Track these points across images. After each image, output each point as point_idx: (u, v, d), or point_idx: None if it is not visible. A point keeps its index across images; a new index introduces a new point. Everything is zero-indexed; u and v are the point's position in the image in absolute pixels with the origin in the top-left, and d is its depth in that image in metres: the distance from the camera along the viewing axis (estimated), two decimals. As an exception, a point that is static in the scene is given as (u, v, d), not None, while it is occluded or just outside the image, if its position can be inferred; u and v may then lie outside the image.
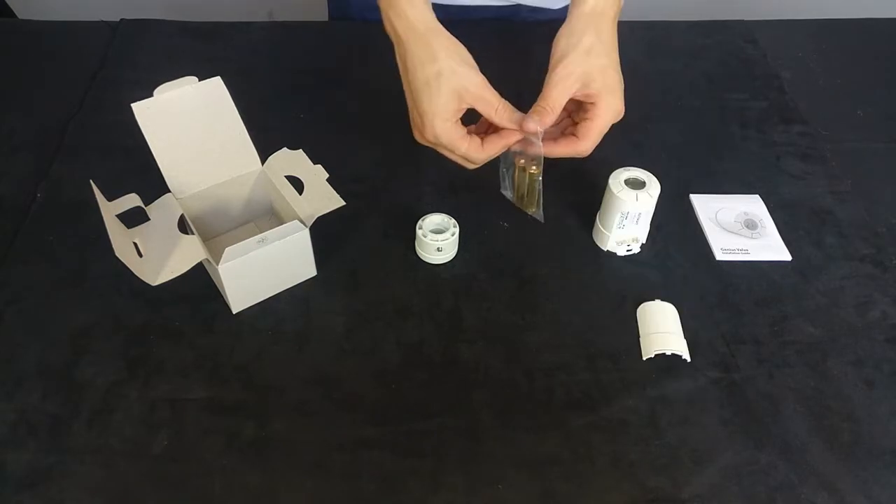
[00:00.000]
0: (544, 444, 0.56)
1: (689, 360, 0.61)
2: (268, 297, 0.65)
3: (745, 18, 0.99)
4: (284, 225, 0.60)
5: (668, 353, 0.61)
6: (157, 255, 0.58)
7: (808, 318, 0.65)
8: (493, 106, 0.62)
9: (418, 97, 0.62)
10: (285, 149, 0.67)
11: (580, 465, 0.55)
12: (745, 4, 1.17)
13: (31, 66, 0.89)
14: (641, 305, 0.65)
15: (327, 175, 0.65)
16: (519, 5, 0.94)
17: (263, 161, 0.66)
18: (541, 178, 0.66)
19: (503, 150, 0.65)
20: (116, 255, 0.54)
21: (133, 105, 0.60)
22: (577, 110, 0.66)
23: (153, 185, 0.63)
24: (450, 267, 0.68)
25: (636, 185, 0.66)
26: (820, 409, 0.59)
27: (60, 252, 0.68)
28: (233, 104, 0.64)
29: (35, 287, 0.65)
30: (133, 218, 0.61)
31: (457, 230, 0.68)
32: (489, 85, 0.62)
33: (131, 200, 0.61)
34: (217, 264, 0.59)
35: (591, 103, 0.63)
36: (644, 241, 0.70)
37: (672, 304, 0.65)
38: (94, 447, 0.55)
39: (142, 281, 0.56)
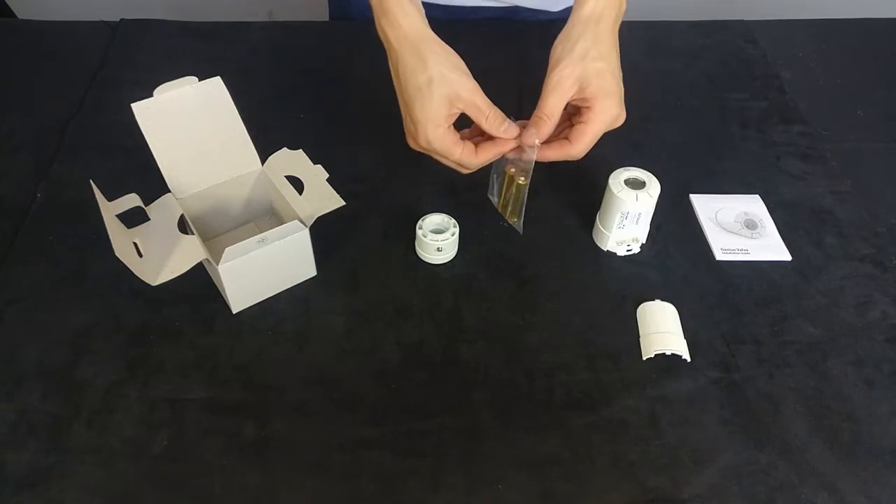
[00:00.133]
0: (544, 444, 0.56)
1: (689, 360, 0.61)
2: (268, 297, 0.65)
3: (745, 18, 0.99)
4: (284, 225, 0.60)
5: (668, 353, 0.61)
6: (157, 255, 0.58)
7: (808, 318, 0.65)
8: (484, 113, 0.62)
9: (410, 104, 0.62)
10: (285, 149, 0.67)
11: (580, 465, 0.55)
12: (745, 4, 1.17)
13: (31, 66, 0.89)
14: (641, 305, 0.65)
15: (327, 175, 0.65)
16: (518, 6, 0.94)
17: (263, 161, 0.66)
18: (527, 190, 0.66)
19: (497, 157, 0.65)
20: (116, 255, 0.54)
21: (133, 105, 0.60)
22: (576, 114, 0.66)
23: (153, 185, 0.63)
24: (450, 267, 0.68)
25: (636, 185, 0.66)
26: (820, 409, 0.59)
27: (60, 252, 0.68)
28: (233, 104, 0.64)
29: (35, 287, 0.65)
30: (133, 218, 0.61)
31: (457, 230, 0.68)
32: (481, 91, 0.62)
33: (131, 200, 0.61)
34: (217, 264, 0.59)
35: (587, 107, 0.62)
36: (644, 241, 0.70)
37: (672, 304, 0.65)
38: (94, 447, 0.55)
39: (142, 281, 0.56)
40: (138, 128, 0.60)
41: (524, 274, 0.68)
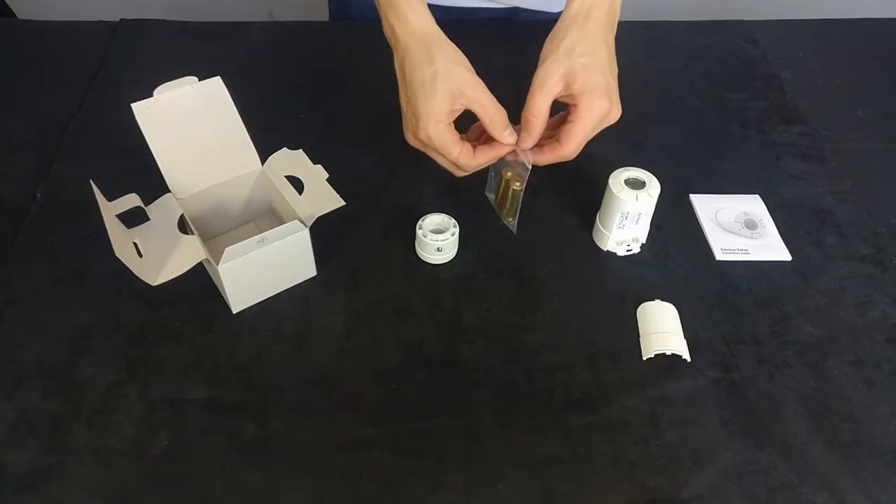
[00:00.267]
0: (544, 444, 0.56)
1: (689, 360, 0.61)
2: (268, 297, 0.65)
3: (745, 18, 0.99)
4: (284, 225, 0.60)
5: (668, 353, 0.61)
6: (157, 255, 0.58)
7: (808, 318, 0.65)
8: (490, 112, 0.61)
9: (414, 98, 0.61)
10: (285, 149, 0.67)
11: (580, 465, 0.55)
12: (745, 4, 1.17)
13: (31, 66, 0.89)
14: (641, 305, 0.65)
15: (327, 175, 0.65)
16: (518, 7, 0.94)
17: (263, 161, 0.66)
18: (522, 195, 0.66)
19: (494, 161, 0.65)
20: (116, 255, 0.54)
21: (133, 105, 0.60)
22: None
23: (153, 185, 0.63)
24: (450, 267, 0.68)
25: (636, 185, 0.66)
26: (820, 409, 0.59)
27: (60, 252, 0.68)
28: (233, 104, 0.64)
29: (35, 287, 0.65)
30: (133, 218, 0.61)
31: (457, 230, 0.68)
32: (486, 89, 0.62)
33: (131, 200, 0.61)
34: (217, 264, 0.59)
35: (574, 105, 0.61)
36: (644, 241, 0.70)
37: (672, 304, 0.65)
38: (94, 447, 0.55)
39: (142, 281, 0.56)
40: (138, 128, 0.60)
41: (524, 274, 0.68)
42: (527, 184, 0.65)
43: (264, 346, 0.62)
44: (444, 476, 0.54)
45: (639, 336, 0.63)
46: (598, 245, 0.70)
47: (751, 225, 0.72)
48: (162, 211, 0.62)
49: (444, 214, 0.69)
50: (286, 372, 0.60)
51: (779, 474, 0.55)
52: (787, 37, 0.97)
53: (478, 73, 0.62)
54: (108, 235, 0.56)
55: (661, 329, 0.62)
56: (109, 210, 0.59)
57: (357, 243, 0.70)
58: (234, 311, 0.64)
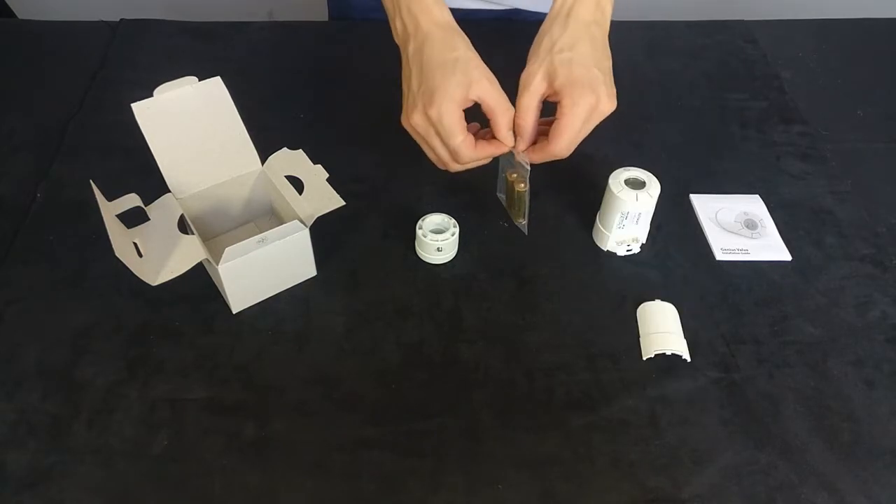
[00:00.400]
0: (544, 444, 0.56)
1: (689, 360, 0.61)
2: (268, 297, 0.65)
3: (745, 18, 0.99)
4: (284, 225, 0.60)
5: (668, 353, 0.61)
6: (157, 255, 0.58)
7: (808, 318, 0.65)
8: (501, 108, 0.61)
9: (430, 76, 0.60)
10: (285, 149, 0.67)
11: (580, 465, 0.55)
12: (745, 4, 1.17)
13: (31, 66, 0.89)
14: (641, 305, 0.65)
15: (327, 175, 0.65)
16: (518, 8, 0.94)
17: (263, 161, 0.66)
18: (528, 195, 0.66)
19: (488, 159, 0.65)
20: (116, 255, 0.54)
21: (133, 105, 0.60)
22: None
23: (153, 185, 0.63)
24: (450, 267, 0.68)
25: (636, 185, 0.66)
26: (820, 409, 0.59)
27: (60, 252, 0.68)
28: (233, 104, 0.64)
29: (35, 287, 0.65)
30: (133, 218, 0.61)
31: (457, 230, 0.68)
32: (500, 88, 0.62)
33: (131, 200, 0.61)
34: (217, 264, 0.59)
35: (559, 101, 0.61)
36: (644, 241, 0.70)
37: (672, 304, 0.65)
38: (94, 447, 0.55)
39: (142, 281, 0.56)
40: (138, 128, 0.60)
41: (524, 274, 0.68)
42: (530, 185, 0.65)
43: (264, 346, 0.62)
44: (444, 476, 0.54)
45: (639, 336, 0.63)
46: (598, 245, 0.70)
47: (751, 225, 0.72)
48: (162, 211, 0.62)
49: (444, 214, 0.69)
50: (286, 372, 0.60)
51: (779, 474, 0.55)
52: (787, 37, 0.97)
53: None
54: (108, 235, 0.56)
55: (661, 329, 0.62)
56: (109, 210, 0.59)
57: (357, 243, 0.70)
58: (234, 311, 0.64)
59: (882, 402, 0.59)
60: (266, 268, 0.62)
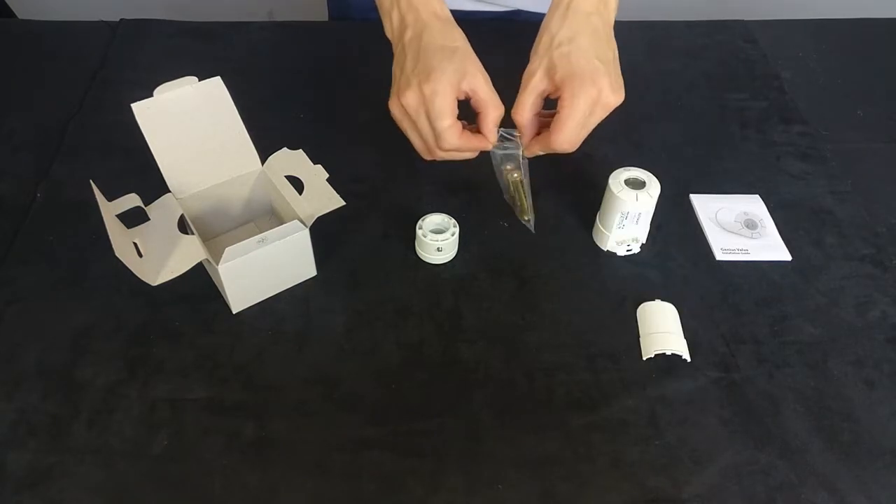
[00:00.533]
0: (544, 444, 0.56)
1: (689, 360, 0.61)
2: (268, 297, 0.65)
3: (745, 18, 0.99)
4: (284, 225, 0.60)
5: (668, 353, 0.61)
6: (157, 255, 0.58)
7: (808, 318, 0.65)
8: (493, 103, 0.62)
9: (427, 57, 0.60)
10: (285, 149, 0.67)
11: (580, 465, 0.55)
12: (745, 4, 1.17)
13: (31, 66, 0.89)
14: (641, 305, 0.65)
15: (327, 175, 0.65)
16: (519, 9, 0.94)
17: (263, 161, 0.66)
18: (527, 186, 0.66)
19: (473, 153, 0.65)
20: (116, 255, 0.54)
21: (133, 105, 0.60)
22: None
23: (153, 185, 0.63)
24: (450, 267, 0.68)
25: (636, 185, 0.66)
26: (820, 409, 0.59)
27: (60, 252, 0.68)
28: (233, 104, 0.64)
29: (35, 287, 0.65)
30: (133, 218, 0.61)
31: (457, 230, 0.68)
32: (492, 86, 0.62)
33: (131, 200, 0.61)
34: (217, 264, 0.59)
35: (560, 95, 0.61)
36: (644, 241, 0.70)
37: (672, 304, 0.65)
38: (94, 447, 0.55)
39: (142, 281, 0.56)
40: (138, 128, 0.60)
41: (524, 274, 0.68)
42: (530, 184, 0.65)
43: (264, 346, 0.62)
44: (444, 476, 0.54)
45: (639, 336, 0.63)
46: (598, 245, 0.70)
47: (751, 225, 0.72)
48: (162, 211, 0.62)
49: (444, 214, 0.69)
50: (286, 372, 0.60)
51: (779, 474, 0.55)
52: (787, 37, 0.97)
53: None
54: (108, 235, 0.56)
55: (661, 329, 0.62)
56: (109, 210, 0.59)
57: (357, 243, 0.70)
58: (234, 311, 0.64)
59: (882, 403, 0.59)
60: (266, 268, 0.62)
